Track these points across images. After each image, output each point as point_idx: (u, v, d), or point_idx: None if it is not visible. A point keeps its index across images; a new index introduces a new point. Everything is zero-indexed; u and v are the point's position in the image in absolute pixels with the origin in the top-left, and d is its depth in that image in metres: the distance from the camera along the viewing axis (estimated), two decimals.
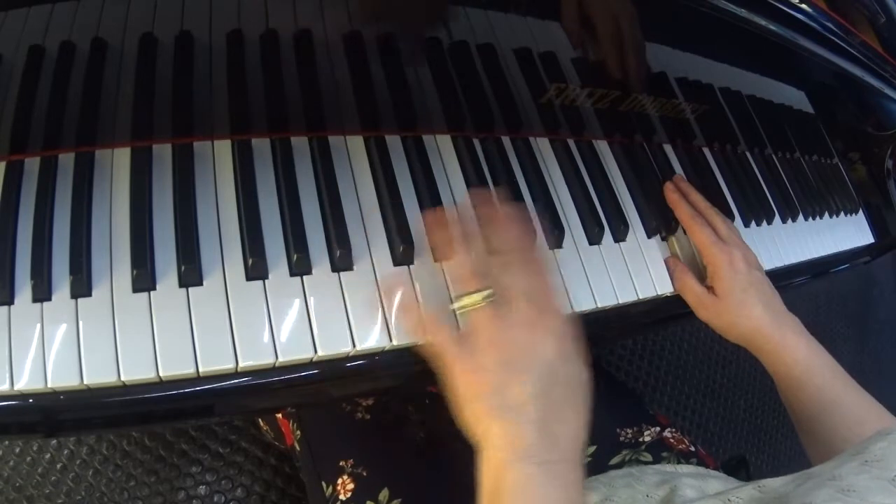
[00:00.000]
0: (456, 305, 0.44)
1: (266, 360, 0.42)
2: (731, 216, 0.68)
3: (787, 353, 0.56)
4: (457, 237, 0.46)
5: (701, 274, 0.61)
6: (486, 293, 0.42)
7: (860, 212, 0.94)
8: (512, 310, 0.42)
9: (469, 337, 0.42)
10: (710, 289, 0.59)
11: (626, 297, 0.56)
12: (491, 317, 0.42)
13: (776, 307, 0.58)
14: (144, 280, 0.41)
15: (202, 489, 0.92)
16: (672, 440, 0.65)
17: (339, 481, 0.57)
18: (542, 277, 0.45)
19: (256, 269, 0.43)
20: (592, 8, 0.50)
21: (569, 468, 0.40)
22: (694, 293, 0.59)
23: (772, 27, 0.55)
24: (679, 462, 0.62)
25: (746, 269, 0.58)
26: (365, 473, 0.56)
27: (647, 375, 1.37)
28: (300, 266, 0.45)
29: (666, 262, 0.61)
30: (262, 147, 0.48)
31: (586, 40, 0.53)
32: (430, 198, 0.51)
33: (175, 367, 0.40)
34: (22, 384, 0.37)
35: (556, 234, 0.55)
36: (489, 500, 0.40)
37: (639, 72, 0.58)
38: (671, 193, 0.64)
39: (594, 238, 0.57)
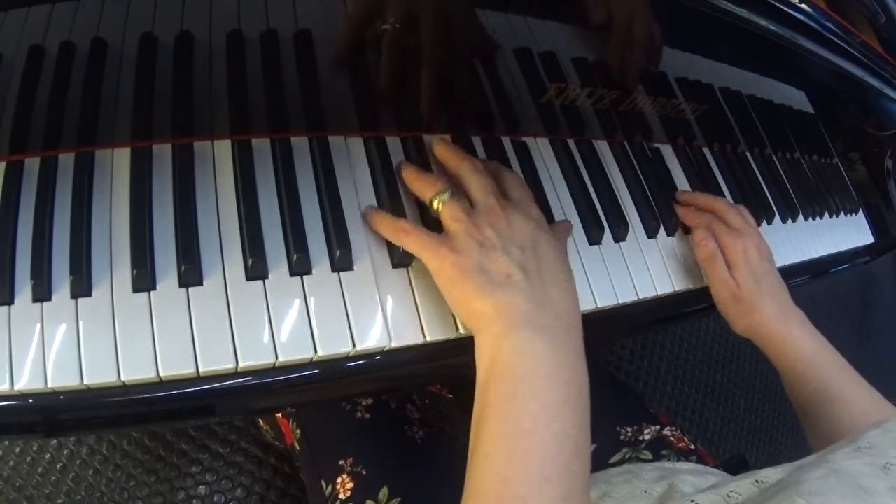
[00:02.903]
0: (432, 206, 0.46)
1: (266, 360, 0.42)
2: None
3: (792, 348, 0.56)
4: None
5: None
6: (447, 192, 0.45)
7: (860, 212, 0.94)
8: (480, 203, 0.45)
9: (445, 232, 0.44)
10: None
11: (626, 297, 0.56)
12: (460, 209, 0.44)
13: (783, 301, 0.58)
14: (144, 280, 0.41)
15: (202, 489, 0.92)
16: (672, 438, 0.65)
17: (339, 480, 0.57)
18: (522, 186, 0.48)
19: (256, 269, 0.44)
20: (603, 7, 0.50)
21: (568, 334, 0.41)
22: (721, 279, 0.58)
23: (772, 27, 0.55)
24: (679, 460, 0.62)
25: (758, 259, 0.58)
26: (364, 472, 0.56)
27: (647, 375, 1.37)
28: (300, 266, 0.45)
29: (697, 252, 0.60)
30: (262, 147, 0.48)
31: (597, 39, 0.53)
32: None
33: (175, 367, 0.40)
34: (22, 384, 0.37)
35: None
36: (483, 386, 0.39)
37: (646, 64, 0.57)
38: (679, 209, 0.63)
39: (594, 238, 0.57)
